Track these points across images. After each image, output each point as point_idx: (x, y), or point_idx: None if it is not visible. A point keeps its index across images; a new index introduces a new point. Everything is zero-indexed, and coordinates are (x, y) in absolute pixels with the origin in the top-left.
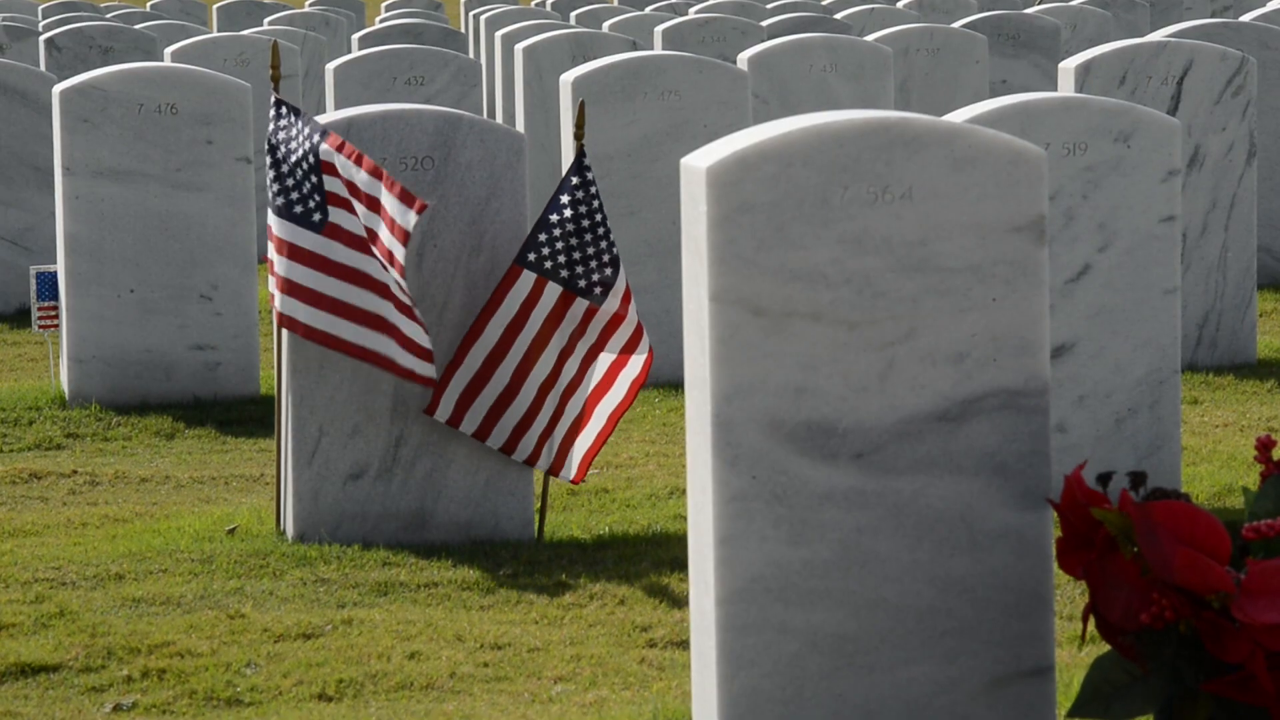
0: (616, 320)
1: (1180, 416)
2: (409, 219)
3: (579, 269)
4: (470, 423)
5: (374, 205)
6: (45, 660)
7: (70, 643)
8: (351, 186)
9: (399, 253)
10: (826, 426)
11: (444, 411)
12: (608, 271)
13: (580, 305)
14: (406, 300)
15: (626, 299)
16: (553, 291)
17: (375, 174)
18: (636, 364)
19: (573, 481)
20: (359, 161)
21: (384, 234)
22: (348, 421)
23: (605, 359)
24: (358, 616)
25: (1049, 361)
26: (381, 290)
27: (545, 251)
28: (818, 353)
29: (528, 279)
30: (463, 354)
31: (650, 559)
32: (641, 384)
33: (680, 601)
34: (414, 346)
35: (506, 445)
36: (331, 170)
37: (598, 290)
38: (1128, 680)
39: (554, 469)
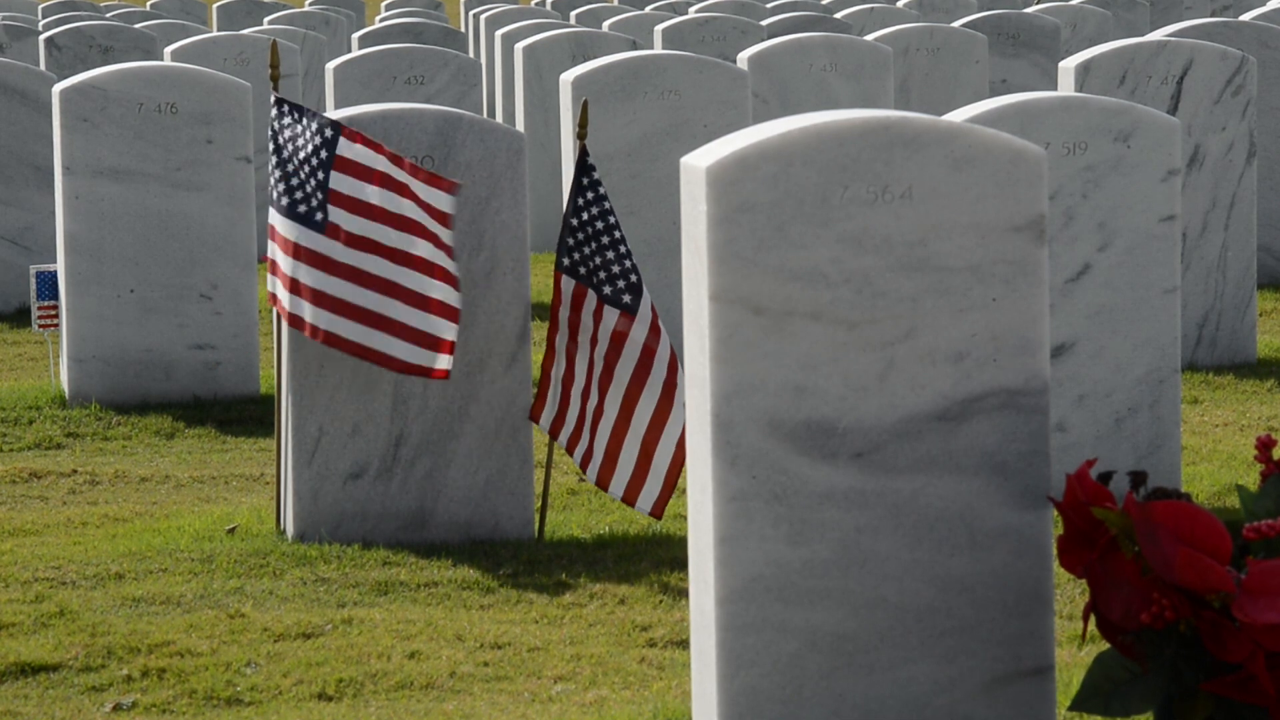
0: (648, 353)
1: (1180, 416)
2: (442, 201)
3: (602, 274)
4: (563, 436)
5: (404, 191)
6: (45, 660)
7: (70, 642)
8: (374, 176)
9: (445, 236)
10: (826, 426)
11: (545, 423)
12: (633, 278)
13: (612, 314)
14: (446, 282)
15: (655, 330)
16: (591, 299)
17: (396, 161)
18: (681, 401)
19: (652, 515)
20: (379, 150)
21: (421, 217)
22: (348, 421)
23: (656, 378)
24: (358, 616)
25: (1049, 361)
26: (383, 287)
27: (577, 256)
28: (817, 352)
29: (568, 284)
30: (547, 369)
31: (650, 559)
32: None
33: (680, 601)
34: (424, 339)
35: (582, 463)
36: (347, 166)
37: (626, 298)
38: (1128, 678)
39: (628, 497)
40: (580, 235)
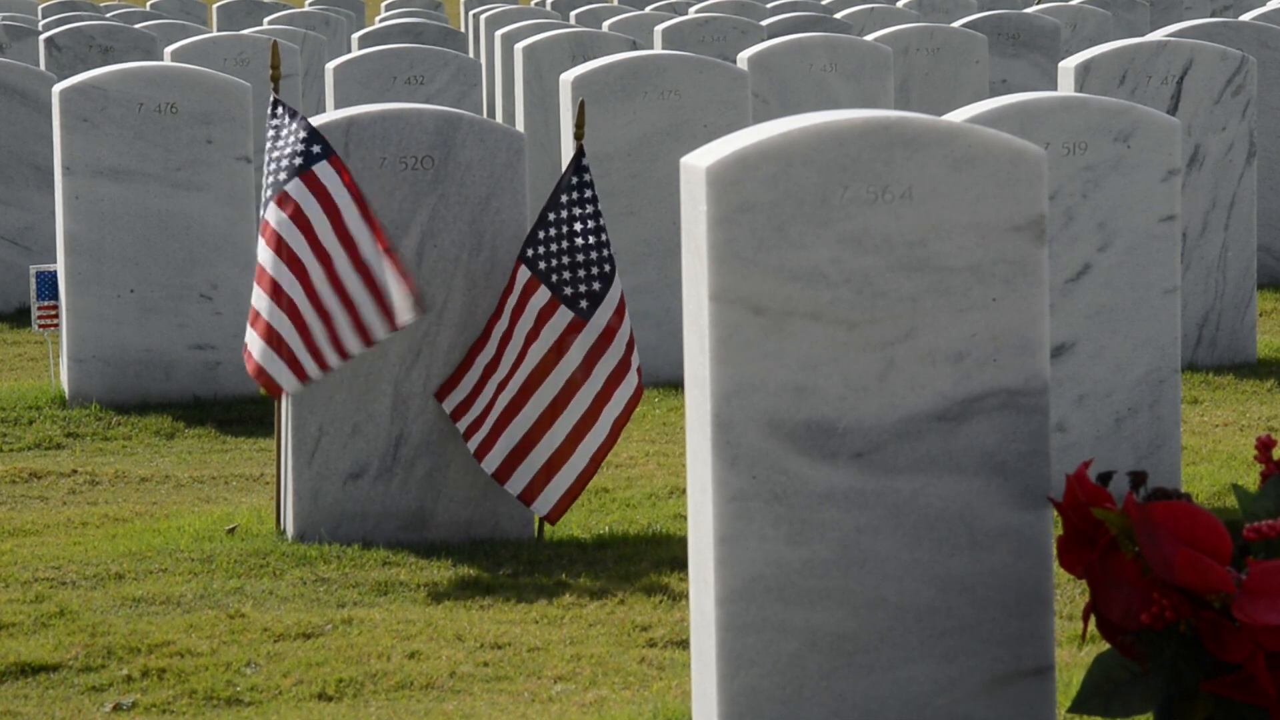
0: (608, 335)
1: (1180, 416)
2: (399, 297)
3: (566, 274)
4: (463, 422)
5: (347, 241)
6: (45, 660)
7: (70, 642)
8: (330, 207)
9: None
10: (826, 426)
11: (449, 405)
12: (595, 286)
13: (564, 316)
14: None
15: (619, 313)
16: (542, 294)
17: (373, 229)
18: (621, 400)
19: (547, 520)
20: (359, 202)
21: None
22: (348, 421)
23: (590, 388)
24: (358, 616)
25: (1049, 361)
26: (290, 305)
27: (541, 250)
28: (818, 352)
29: (523, 275)
30: (474, 354)
31: (650, 559)
32: (625, 423)
33: (680, 601)
34: (317, 346)
35: (478, 451)
36: (313, 183)
37: (583, 304)
38: (1128, 678)
39: (526, 496)
40: (552, 231)
